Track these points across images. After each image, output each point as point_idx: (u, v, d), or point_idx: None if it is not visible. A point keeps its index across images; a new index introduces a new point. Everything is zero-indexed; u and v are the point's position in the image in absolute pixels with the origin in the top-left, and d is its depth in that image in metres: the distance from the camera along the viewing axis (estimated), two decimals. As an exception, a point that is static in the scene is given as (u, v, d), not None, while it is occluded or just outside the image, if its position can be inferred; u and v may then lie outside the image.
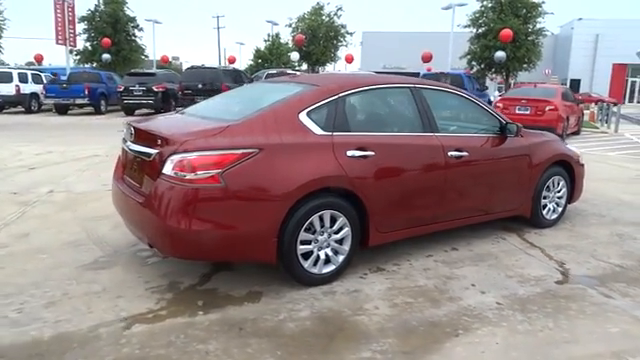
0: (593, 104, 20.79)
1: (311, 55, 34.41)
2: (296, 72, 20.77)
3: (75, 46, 26.62)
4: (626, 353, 2.50)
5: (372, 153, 3.30)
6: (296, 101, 3.26)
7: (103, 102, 18.34)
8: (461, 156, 3.77)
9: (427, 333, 2.65)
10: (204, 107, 3.83)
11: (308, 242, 3.11)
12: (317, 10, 34.88)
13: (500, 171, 4.16)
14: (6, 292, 3.01)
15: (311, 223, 3.07)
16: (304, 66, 35.28)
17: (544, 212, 4.60)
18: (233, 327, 2.66)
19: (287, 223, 2.95)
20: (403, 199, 3.53)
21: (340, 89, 3.38)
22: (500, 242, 4.21)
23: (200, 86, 16.14)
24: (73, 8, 24.63)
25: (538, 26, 26.80)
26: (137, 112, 17.70)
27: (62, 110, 17.94)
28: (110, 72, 21.50)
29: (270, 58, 36.03)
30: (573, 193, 4.86)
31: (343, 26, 35.56)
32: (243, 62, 44.13)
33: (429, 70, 25.24)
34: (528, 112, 12.09)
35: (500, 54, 24.41)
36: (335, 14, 35.13)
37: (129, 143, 3.35)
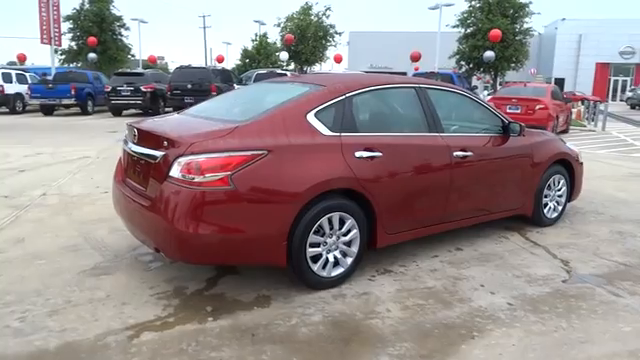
0: (579, 102, 21.10)
1: (300, 55, 34.34)
2: (286, 72, 20.63)
3: (60, 45, 26.19)
4: (642, 352, 2.50)
5: (380, 154, 3.26)
6: (304, 101, 3.20)
7: (90, 102, 18.06)
8: (466, 156, 3.75)
9: (442, 336, 2.62)
10: (207, 107, 3.75)
11: (317, 245, 3.06)
12: (306, 10, 34.81)
13: (503, 170, 4.16)
14: (6, 300, 2.90)
15: (320, 225, 3.02)
16: (292, 66, 35.15)
17: (545, 211, 4.62)
18: (245, 333, 2.59)
19: (297, 225, 2.90)
20: (410, 200, 3.50)
21: (347, 89, 3.33)
22: (503, 241, 4.21)
23: (189, 86, 15.96)
24: (58, 7, 24.20)
25: (525, 26, 27.13)
26: (125, 113, 17.46)
27: (48, 111, 17.60)
28: (97, 72, 21.16)
29: (258, 58, 35.87)
30: (572, 191, 4.89)
31: (332, 26, 35.62)
32: (230, 62, 43.95)
33: (417, 70, 25.38)
34: (519, 111, 12.18)
35: (489, 54, 24.66)
36: (324, 14, 35.16)
37: (131, 145, 3.26)
